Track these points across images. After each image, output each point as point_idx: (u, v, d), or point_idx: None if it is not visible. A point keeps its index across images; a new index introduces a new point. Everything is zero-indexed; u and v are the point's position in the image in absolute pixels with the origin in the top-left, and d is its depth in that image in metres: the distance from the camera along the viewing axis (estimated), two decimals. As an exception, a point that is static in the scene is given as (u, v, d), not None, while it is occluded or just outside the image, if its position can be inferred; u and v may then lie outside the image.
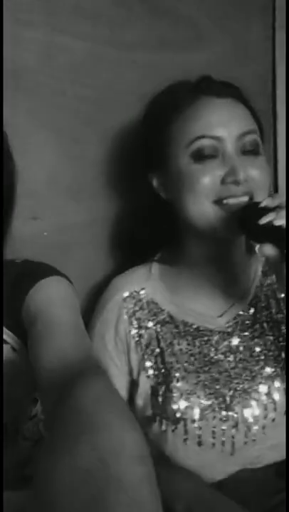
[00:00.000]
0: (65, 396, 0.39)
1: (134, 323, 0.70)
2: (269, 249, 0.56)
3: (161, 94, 0.71)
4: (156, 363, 0.69)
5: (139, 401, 0.69)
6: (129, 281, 0.73)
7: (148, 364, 0.69)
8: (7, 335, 0.57)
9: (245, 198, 0.62)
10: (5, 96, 0.70)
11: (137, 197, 0.79)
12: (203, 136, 0.62)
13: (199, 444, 0.65)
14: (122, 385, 0.71)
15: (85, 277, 0.81)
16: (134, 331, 0.70)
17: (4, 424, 0.55)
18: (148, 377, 0.69)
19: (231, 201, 0.62)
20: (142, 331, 0.70)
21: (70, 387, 0.39)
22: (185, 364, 0.68)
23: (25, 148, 0.73)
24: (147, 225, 0.76)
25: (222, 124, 0.63)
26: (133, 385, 0.71)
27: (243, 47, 0.96)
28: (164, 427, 0.66)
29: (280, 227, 0.54)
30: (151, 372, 0.69)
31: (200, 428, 0.65)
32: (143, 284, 0.72)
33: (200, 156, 0.62)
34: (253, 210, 0.59)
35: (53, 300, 0.56)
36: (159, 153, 0.68)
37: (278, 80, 1.02)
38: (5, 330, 0.57)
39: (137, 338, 0.70)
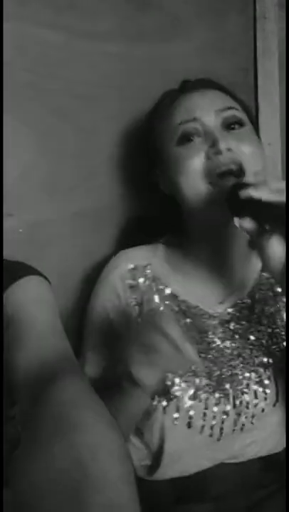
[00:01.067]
0: (42, 397, 0.38)
1: (137, 294, 0.71)
2: (247, 223, 0.57)
3: (156, 103, 0.75)
4: None
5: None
6: (135, 255, 0.74)
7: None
8: None
9: (233, 166, 0.64)
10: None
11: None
12: (182, 122, 0.66)
13: (189, 425, 0.66)
14: None
15: (62, 274, 0.79)
16: (135, 302, 0.71)
17: None
18: None
19: (223, 182, 0.63)
20: (144, 304, 0.70)
21: (47, 388, 0.39)
22: None
23: (-1, 143, 0.72)
24: (146, 218, 0.80)
25: (197, 106, 0.67)
26: None
27: (223, 38, 0.95)
28: (155, 403, 0.66)
29: (258, 200, 0.55)
30: None
31: (191, 407, 0.66)
32: (148, 261, 0.73)
33: (184, 140, 0.66)
34: (237, 186, 0.60)
35: (29, 301, 0.56)
36: (155, 154, 0.72)
37: (259, 72, 1.01)
38: None
39: (138, 310, 0.70)
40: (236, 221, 0.58)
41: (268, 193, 0.55)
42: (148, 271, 0.72)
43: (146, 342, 0.57)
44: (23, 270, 0.60)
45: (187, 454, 0.68)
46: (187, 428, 0.67)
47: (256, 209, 0.56)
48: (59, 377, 0.41)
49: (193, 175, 0.64)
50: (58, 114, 0.76)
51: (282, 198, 0.54)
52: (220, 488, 0.68)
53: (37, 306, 0.55)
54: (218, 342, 0.70)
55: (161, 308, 0.70)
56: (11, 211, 0.74)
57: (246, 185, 0.58)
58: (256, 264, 0.74)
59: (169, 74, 0.87)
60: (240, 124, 0.67)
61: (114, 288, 0.72)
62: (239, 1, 0.98)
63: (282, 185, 0.56)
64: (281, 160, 1.01)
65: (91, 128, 0.80)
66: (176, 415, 0.66)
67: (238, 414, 0.67)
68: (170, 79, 0.82)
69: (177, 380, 0.67)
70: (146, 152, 0.75)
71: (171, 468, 0.69)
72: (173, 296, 0.71)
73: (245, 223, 0.57)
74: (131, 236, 0.81)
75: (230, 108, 0.67)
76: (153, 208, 0.79)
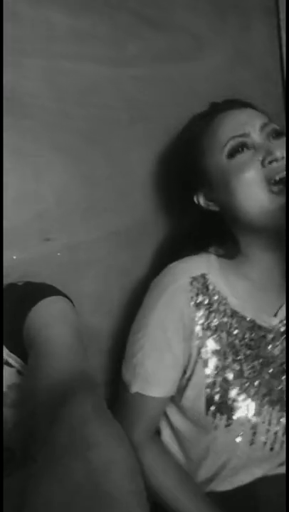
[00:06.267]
0: (57, 414, 0.39)
1: (201, 308, 0.69)
2: None
3: (187, 125, 0.77)
4: (218, 352, 0.68)
5: (190, 392, 0.69)
6: (192, 266, 0.72)
7: (210, 351, 0.68)
8: (12, 358, 0.58)
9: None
10: (12, 123, 0.72)
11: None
12: (231, 138, 0.67)
13: (251, 442, 0.67)
14: (173, 377, 0.69)
15: (100, 294, 0.81)
16: (200, 317, 0.69)
17: (12, 450, 0.55)
18: (207, 366, 0.68)
19: (281, 188, 0.63)
20: (210, 318, 0.69)
21: (62, 406, 0.40)
22: (242, 357, 0.68)
23: (35, 171, 0.75)
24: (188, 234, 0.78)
25: (244, 122, 0.68)
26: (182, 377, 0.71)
27: (247, 50, 0.95)
28: (216, 421, 0.66)
29: None
30: (213, 361, 0.68)
31: (255, 425, 0.66)
32: (204, 271, 0.71)
33: (235, 153, 0.67)
34: None
35: (51, 320, 0.57)
36: (199, 173, 0.72)
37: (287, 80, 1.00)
38: (9, 353, 0.58)
39: (203, 325, 0.69)
40: None
41: None
42: (209, 282, 0.70)
43: None
44: (46, 291, 0.62)
45: (245, 467, 0.68)
46: (249, 445, 0.67)
47: None
48: (74, 395, 0.41)
49: (253, 184, 0.64)
50: (89, 139, 0.79)
51: None
52: (271, 494, 0.68)
53: (57, 325, 0.56)
54: (275, 355, 0.69)
55: (225, 320, 0.68)
56: (49, 235, 0.77)
57: None
58: None
59: (196, 92, 0.88)
60: (281, 134, 0.68)
61: (176, 303, 0.69)
62: (261, 12, 0.98)
63: None
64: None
65: (121, 151, 0.82)
66: (238, 433, 0.66)
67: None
68: (197, 97, 0.84)
69: (239, 397, 0.66)
70: (185, 173, 0.75)
71: (229, 482, 0.69)
72: (232, 311, 0.70)
73: None
74: (177, 248, 0.79)
75: (268, 122, 0.69)
76: (185, 224, 0.79)
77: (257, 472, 0.69)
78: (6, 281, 0.67)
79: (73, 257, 0.79)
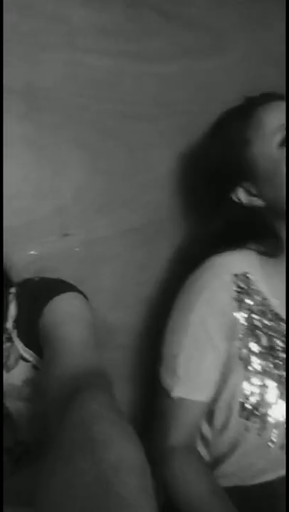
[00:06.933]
0: (68, 411, 0.39)
1: (243, 308, 0.65)
2: None
3: (222, 119, 0.74)
4: (257, 355, 0.65)
5: (226, 395, 0.65)
6: (233, 262, 0.67)
7: (249, 353, 0.65)
8: (28, 353, 0.58)
9: None
10: (32, 118, 0.72)
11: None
12: (282, 125, 0.66)
13: (282, 446, 0.64)
14: (216, 378, 0.65)
15: (117, 289, 0.81)
16: (241, 317, 0.65)
17: (27, 444, 0.56)
18: (246, 368, 0.64)
19: None
20: (251, 319, 0.65)
21: (73, 403, 0.39)
22: (280, 361, 0.65)
23: (54, 167, 0.75)
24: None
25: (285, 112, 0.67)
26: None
27: (266, 46, 0.94)
28: (249, 424, 0.64)
29: None
30: (252, 363, 0.65)
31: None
32: (246, 269, 0.67)
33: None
34: None
35: (65, 317, 0.56)
36: (244, 166, 0.69)
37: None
38: (25, 348, 0.58)
39: (244, 325, 0.65)
40: None
41: None
42: (251, 280, 0.66)
43: None
44: (61, 287, 0.61)
45: (272, 469, 0.67)
46: (280, 449, 0.64)
47: None
48: (82, 393, 0.41)
49: None
50: (109, 134, 0.78)
51: None
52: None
53: (71, 321, 0.56)
54: None
55: (266, 322, 0.65)
56: (67, 231, 0.77)
57: None
58: None
59: (218, 87, 0.87)
60: None
61: (218, 300, 0.65)
62: (279, 8, 0.97)
63: None
64: None
65: (141, 146, 0.82)
66: (271, 436, 0.64)
67: None
68: (219, 92, 0.83)
69: (276, 402, 0.64)
70: (224, 168, 0.71)
71: (251, 480, 0.68)
72: (273, 313, 0.67)
73: None
74: (203, 244, 0.75)
75: None
76: (203, 221, 0.78)
77: (282, 472, 0.67)
78: (24, 276, 0.67)
79: (91, 253, 0.79)
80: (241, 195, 0.71)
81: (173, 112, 0.83)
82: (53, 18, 0.72)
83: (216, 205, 0.73)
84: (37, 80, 0.72)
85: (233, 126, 0.71)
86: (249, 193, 0.70)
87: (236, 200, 0.71)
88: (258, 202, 0.70)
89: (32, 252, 0.75)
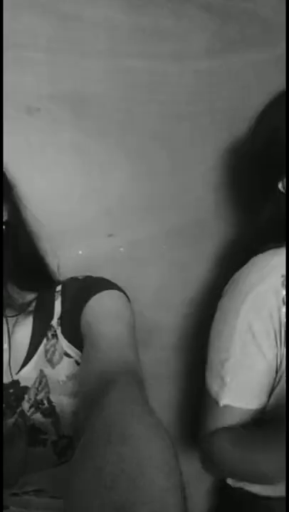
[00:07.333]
0: (97, 406, 0.39)
1: None
2: None
3: (271, 105, 0.70)
4: None
5: (272, 400, 0.64)
6: (281, 262, 0.63)
7: None
8: (71, 349, 0.60)
9: None
10: (77, 124, 0.75)
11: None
12: None
13: None
14: (267, 384, 0.63)
15: (161, 289, 0.82)
16: None
17: (70, 438, 0.58)
18: None
19: None
20: None
21: (103, 398, 0.40)
22: None
23: (100, 169, 0.77)
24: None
25: None
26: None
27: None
28: None
29: None
30: None
31: None
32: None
33: None
34: None
35: (103, 313, 0.58)
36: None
37: None
38: (68, 344, 0.60)
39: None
40: None
41: None
42: None
43: None
44: (102, 285, 0.63)
45: None
46: None
47: None
48: (115, 388, 0.41)
49: None
50: (151, 136, 0.79)
51: None
52: None
53: (109, 320, 0.57)
54: None
55: None
56: (112, 231, 0.79)
57: None
58: None
59: (261, 81, 0.85)
60: None
61: (265, 305, 0.61)
62: None
63: None
64: None
65: (183, 146, 0.81)
66: None
67: None
68: (262, 86, 0.80)
69: None
70: (271, 157, 0.67)
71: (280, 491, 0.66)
72: None
73: None
74: (249, 243, 0.72)
75: None
76: (248, 218, 0.77)
77: None
78: (72, 275, 0.70)
79: (135, 253, 0.80)
80: (283, 187, 0.67)
81: (215, 108, 0.82)
82: (94, 24, 0.74)
83: (262, 198, 0.70)
84: (81, 86, 0.75)
85: (278, 112, 0.67)
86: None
87: (282, 189, 0.66)
88: None
89: (79, 253, 0.78)
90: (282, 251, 0.65)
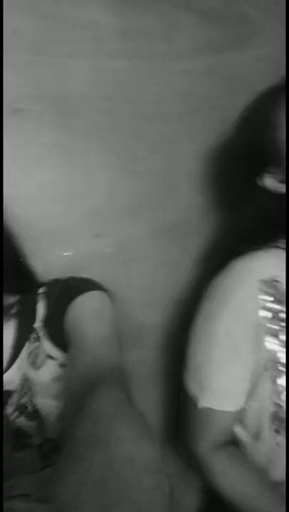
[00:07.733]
0: (84, 407, 0.39)
1: (271, 318, 0.62)
2: None
3: (257, 99, 0.71)
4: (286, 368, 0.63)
5: (253, 404, 0.64)
6: (260, 266, 0.64)
7: (278, 366, 0.62)
8: (53, 352, 0.60)
9: None
10: (62, 124, 0.74)
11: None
12: None
13: None
14: (245, 388, 0.64)
15: (149, 289, 0.82)
16: (269, 327, 0.62)
17: (55, 441, 0.58)
18: (274, 381, 0.62)
19: None
20: (280, 329, 0.62)
21: (88, 400, 0.40)
22: None
23: (85, 170, 0.77)
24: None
25: None
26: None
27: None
28: (279, 439, 0.62)
29: None
30: (281, 376, 0.62)
31: None
32: (274, 272, 0.64)
33: None
34: None
35: (87, 314, 0.58)
36: (269, 149, 0.65)
37: None
38: (52, 347, 0.60)
39: (272, 336, 0.62)
40: None
41: None
42: (279, 288, 0.62)
43: None
44: (86, 286, 0.63)
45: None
46: None
47: None
48: (98, 389, 0.41)
49: None
50: (136, 136, 0.79)
51: None
52: None
53: (92, 321, 0.57)
54: None
55: None
56: (99, 232, 0.79)
57: None
58: None
59: (247, 81, 0.85)
60: None
61: (243, 310, 0.62)
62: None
63: None
64: None
65: (168, 146, 0.81)
66: None
67: None
68: (248, 85, 0.80)
69: None
70: (253, 151, 0.68)
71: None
72: None
73: None
74: (233, 243, 0.72)
75: None
76: (235, 217, 0.77)
77: None
78: (58, 276, 0.70)
79: (122, 253, 0.80)
80: (268, 181, 0.67)
81: (200, 108, 0.82)
82: (77, 25, 0.73)
83: (246, 194, 0.70)
84: (66, 87, 0.74)
85: (261, 109, 0.68)
86: (276, 179, 0.66)
87: (263, 186, 0.67)
88: (284, 189, 0.66)
89: (66, 254, 0.77)
90: (260, 254, 0.66)
